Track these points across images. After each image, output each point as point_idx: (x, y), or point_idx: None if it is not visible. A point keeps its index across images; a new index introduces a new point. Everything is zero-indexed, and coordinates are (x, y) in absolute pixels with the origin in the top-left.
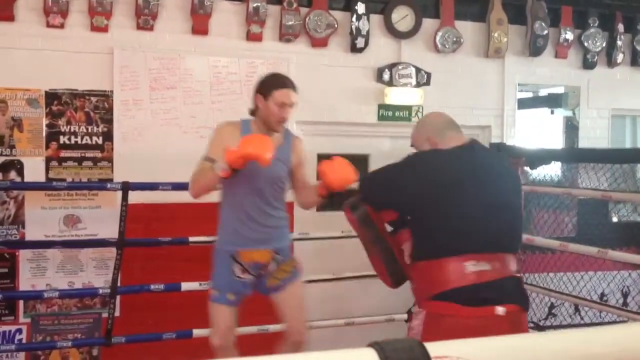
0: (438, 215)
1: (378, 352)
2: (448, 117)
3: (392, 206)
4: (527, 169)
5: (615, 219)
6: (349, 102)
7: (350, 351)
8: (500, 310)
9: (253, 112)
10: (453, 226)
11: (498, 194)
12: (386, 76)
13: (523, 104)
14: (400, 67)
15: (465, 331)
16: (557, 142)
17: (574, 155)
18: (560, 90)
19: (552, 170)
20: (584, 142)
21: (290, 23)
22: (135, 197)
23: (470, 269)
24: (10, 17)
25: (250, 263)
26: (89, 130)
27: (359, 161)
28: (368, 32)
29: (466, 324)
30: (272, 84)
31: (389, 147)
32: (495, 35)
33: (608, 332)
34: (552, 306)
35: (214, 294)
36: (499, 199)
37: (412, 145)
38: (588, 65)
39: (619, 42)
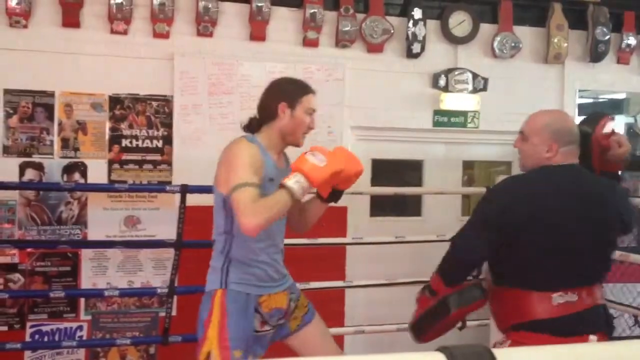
0: (540, 249)
1: (447, 356)
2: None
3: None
4: None
5: None
6: (404, 108)
7: (419, 354)
8: (593, 338)
9: (259, 125)
10: (554, 262)
11: (602, 227)
12: (442, 82)
13: (584, 110)
14: (456, 73)
15: None
16: None
17: (635, 163)
18: (621, 96)
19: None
20: None
21: (346, 29)
22: (193, 199)
23: (557, 300)
24: (76, 24)
25: (271, 312)
26: (150, 134)
27: (413, 167)
28: (424, 37)
29: None
30: (298, 90)
31: (443, 153)
32: (555, 40)
33: None
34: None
35: (234, 356)
36: (602, 232)
37: (521, 132)
38: None
39: None
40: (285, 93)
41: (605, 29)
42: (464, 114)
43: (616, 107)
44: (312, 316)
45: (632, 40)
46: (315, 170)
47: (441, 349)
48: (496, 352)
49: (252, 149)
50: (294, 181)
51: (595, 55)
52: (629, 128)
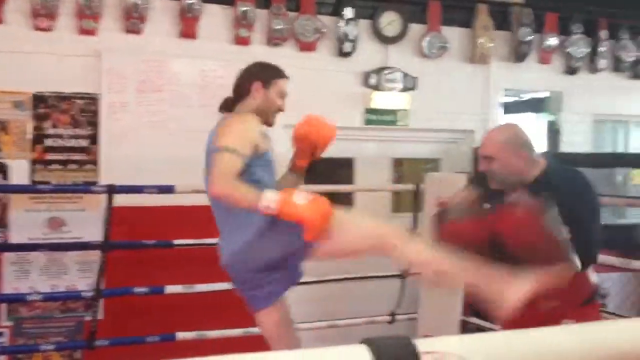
0: (597, 229)
1: (370, 348)
2: None
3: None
4: None
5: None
6: (336, 106)
7: (343, 347)
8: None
9: (233, 104)
10: (600, 239)
11: None
12: (373, 80)
13: (508, 108)
14: (386, 72)
15: None
16: (541, 146)
17: (553, 159)
18: (544, 94)
19: None
20: (566, 147)
21: (278, 27)
22: (120, 200)
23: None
24: None
25: None
26: (75, 133)
27: (344, 164)
28: (356, 36)
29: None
30: (274, 72)
31: (374, 151)
32: (481, 41)
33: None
34: None
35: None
36: None
37: (487, 157)
38: (571, 70)
39: (602, 49)
40: (261, 73)
41: (528, 30)
42: (394, 112)
43: (538, 105)
44: None
45: (553, 41)
46: (289, 206)
47: (365, 341)
48: (418, 342)
49: (253, 122)
50: (272, 195)
51: (519, 55)
52: (551, 126)
